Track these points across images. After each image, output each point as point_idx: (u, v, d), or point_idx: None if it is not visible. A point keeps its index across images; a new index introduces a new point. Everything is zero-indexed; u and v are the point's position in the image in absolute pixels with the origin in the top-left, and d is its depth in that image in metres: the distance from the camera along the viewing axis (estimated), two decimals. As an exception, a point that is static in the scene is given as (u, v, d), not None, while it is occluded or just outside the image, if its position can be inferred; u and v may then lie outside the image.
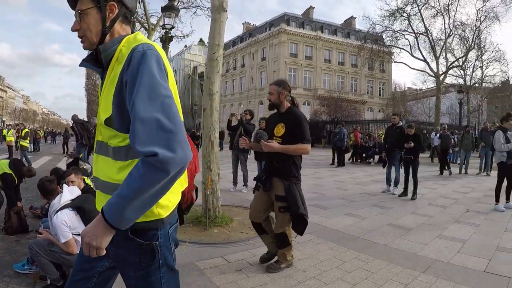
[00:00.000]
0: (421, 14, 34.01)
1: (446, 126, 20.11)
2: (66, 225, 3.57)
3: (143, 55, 1.54)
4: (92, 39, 1.70)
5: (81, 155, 11.50)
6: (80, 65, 1.82)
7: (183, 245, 5.13)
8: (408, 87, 68.27)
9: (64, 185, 4.19)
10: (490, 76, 42.37)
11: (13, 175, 6.11)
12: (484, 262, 4.76)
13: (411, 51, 35.90)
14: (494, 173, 9.14)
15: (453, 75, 41.30)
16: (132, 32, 1.79)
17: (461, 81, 41.77)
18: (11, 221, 5.71)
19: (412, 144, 9.35)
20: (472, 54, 37.83)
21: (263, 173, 4.33)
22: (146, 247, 1.70)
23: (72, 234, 3.61)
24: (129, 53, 1.56)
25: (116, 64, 1.63)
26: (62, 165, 12.52)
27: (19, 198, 6.38)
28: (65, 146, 25.35)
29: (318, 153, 23.35)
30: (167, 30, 11.54)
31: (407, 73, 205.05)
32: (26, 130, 18.30)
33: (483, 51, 38.07)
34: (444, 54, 36.03)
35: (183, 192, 2.07)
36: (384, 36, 36.87)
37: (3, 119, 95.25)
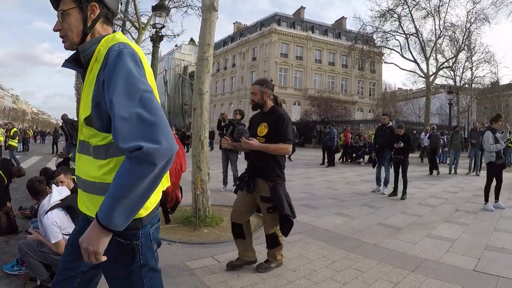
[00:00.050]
0: (411, 15, 34.18)
1: (435, 127, 20.23)
2: (57, 225, 3.55)
3: (119, 54, 1.55)
4: (73, 39, 1.72)
5: (70, 155, 11.41)
6: (62, 66, 1.84)
7: (173, 245, 5.12)
8: (398, 88, 68.75)
9: (53, 186, 4.15)
10: (480, 77, 42.78)
11: (2, 175, 6.07)
12: (473, 261, 4.79)
13: (401, 52, 36.08)
14: (483, 173, 9.23)
15: (443, 76, 41.72)
16: (114, 32, 1.81)
17: (451, 82, 42.19)
18: (0, 221, 5.65)
19: (402, 144, 9.41)
20: (462, 55, 38.16)
21: (246, 173, 4.24)
22: (127, 247, 1.70)
23: (62, 234, 3.59)
24: (106, 53, 1.58)
25: (95, 64, 1.64)
26: (52, 165, 12.42)
27: (9, 198, 6.34)
28: (55, 146, 25.12)
29: (309, 153, 23.42)
30: (158, 29, 11.50)
31: (397, 73, 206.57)
32: (15, 129, 18.10)
33: (473, 53, 38.41)
34: (434, 55, 36.27)
35: (166, 192, 2.08)
36: (374, 37, 37.00)
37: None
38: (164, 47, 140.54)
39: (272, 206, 4.02)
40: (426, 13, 34.31)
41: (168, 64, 71.52)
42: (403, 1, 33.54)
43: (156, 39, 11.58)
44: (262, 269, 4.25)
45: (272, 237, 4.21)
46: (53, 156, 20.37)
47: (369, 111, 61.28)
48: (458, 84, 41.57)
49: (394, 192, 9.65)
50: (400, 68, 60.92)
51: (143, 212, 1.71)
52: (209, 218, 6.25)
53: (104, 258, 1.57)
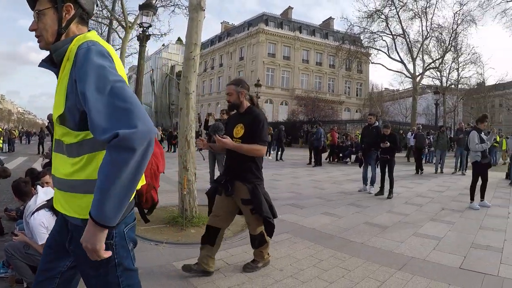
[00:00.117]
0: (399, 16, 34.46)
1: (421, 126, 20.47)
2: (44, 226, 3.50)
3: (87, 51, 1.58)
4: (48, 39, 1.75)
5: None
6: (39, 66, 1.86)
7: (160, 246, 5.10)
8: (385, 88, 69.23)
9: (39, 187, 4.11)
10: (466, 78, 43.53)
11: (-12, 176, 5.99)
12: (459, 258, 4.84)
13: (388, 52, 36.39)
14: (469, 172, 9.33)
15: (429, 77, 42.26)
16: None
17: (437, 82, 42.78)
18: (-14, 223, 5.59)
19: (388, 144, 9.47)
20: (448, 56, 38.71)
21: (223, 176, 4.14)
22: None
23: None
24: (76, 51, 1.61)
25: (67, 63, 1.67)
26: (38, 165, 12.27)
27: (-6, 200, 6.26)
28: (41, 146, 24.79)
29: (296, 153, 23.48)
30: (145, 28, 11.42)
31: (384, 74, 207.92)
32: (0, 130, 17.90)
33: (460, 54, 38.98)
34: (421, 56, 36.64)
35: (141, 192, 2.09)
36: (362, 37, 37.22)
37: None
38: (151, 46, 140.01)
39: (253, 207, 3.97)
40: (413, 14, 34.70)
41: (155, 63, 71.23)
42: (390, 2, 33.86)
43: (143, 38, 11.49)
44: (249, 269, 4.25)
45: (259, 236, 4.17)
46: (39, 157, 20.14)
47: (356, 111, 61.64)
48: (444, 84, 42.15)
49: (381, 191, 9.71)
50: (387, 68, 61.13)
51: None
52: (196, 218, 6.22)
53: (106, 254, 1.59)
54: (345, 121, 41.92)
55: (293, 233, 5.92)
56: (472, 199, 8.35)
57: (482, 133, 8.44)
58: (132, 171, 1.44)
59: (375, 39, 36.17)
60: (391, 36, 35.53)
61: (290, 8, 63.01)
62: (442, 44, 36.34)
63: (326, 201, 8.83)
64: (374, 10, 34.66)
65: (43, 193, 3.82)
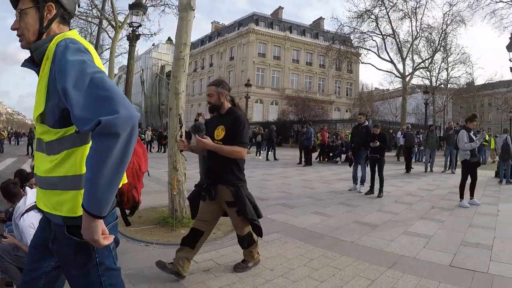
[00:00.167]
0: (388, 17, 34.54)
1: (410, 126, 20.58)
2: (33, 227, 3.46)
3: (66, 48, 1.60)
4: (29, 38, 1.77)
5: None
6: (21, 66, 1.90)
7: (150, 247, 5.08)
8: (375, 88, 69.64)
9: (27, 188, 4.07)
10: (456, 77, 43.93)
11: (-24, 177, 5.93)
12: (449, 256, 4.88)
13: (378, 52, 36.48)
14: (459, 171, 9.41)
15: (419, 76, 42.45)
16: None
17: (427, 82, 43.04)
18: (-27, 225, 5.52)
19: (378, 143, 9.51)
20: (438, 56, 38.90)
21: (205, 180, 4.06)
22: (81, 245, 1.71)
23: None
24: (54, 49, 1.63)
25: (47, 62, 1.68)
26: (27, 167, 12.17)
27: (-18, 202, 6.19)
28: (30, 147, 24.56)
29: (286, 153, 23.51)
30: (134, 28, 11.35)
31: (374, 73, 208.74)
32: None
33: (449, 54, 39.23)
34: (410, 56, 36.73)
35: (122, 191, 2.09)
36: (352, 37, 37.27)
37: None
38: (141, 46, 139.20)
39: (238, 209, 3.93)
40: (403, 14, 34.79)
41: (145, 63, 70.95)
42: (380, 3, 33.92)
43: (133, 38, 11.40)
44: (240, 269, 4.24)
45: (247, 237, 4.14)
46: (28, 158, 20.00)
47: (346, 111, 61.84)
48: (434, 84, 42.48)
49: (371, 191, 9.73)
50: (377, 68, 61.80)
51: None
52: (186, 218, 6.19)
53: (107, 241, 1.61)
54: (335, 121, 42.13)
55: (283, 233, 5.92)
56: (461, 197, 8.41)
57: (471, 132, 8.51)
58: (117, 157, 1.44)
59: (365, 39, 36.29)
60: (381, 36, 35.67)
61: (280, 8, 63.10)
62: (432, 44, 36.52)
63: (316, 200, 8.84)
64: (364, 10, 34.74)
65: (32, 195, 3.78)
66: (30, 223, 3.47)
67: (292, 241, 5.50)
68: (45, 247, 1.89)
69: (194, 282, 3.94)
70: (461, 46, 52.98)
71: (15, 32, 1.78)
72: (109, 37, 21.98)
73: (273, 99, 56.63)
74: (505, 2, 28.13)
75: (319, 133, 21.43)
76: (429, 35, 36.02)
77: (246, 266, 4.28)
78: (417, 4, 34.14)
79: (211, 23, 71.91)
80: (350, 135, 12.24)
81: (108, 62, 20.89)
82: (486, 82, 50.09)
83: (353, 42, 37.59)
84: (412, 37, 35.56)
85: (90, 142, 1.53)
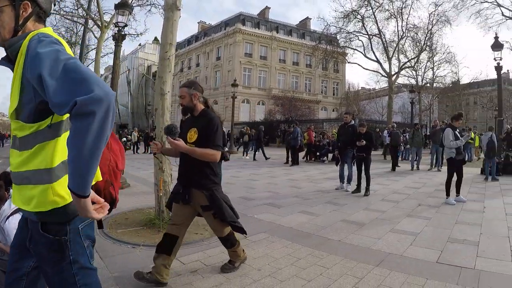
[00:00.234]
0: (375, 17, 34.70)
1: (395, 125, 20.77)
2: None
3: (38, 41, 1.64)
4: (4, 36, 1.78)
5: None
6: None
7: (137, 249, 5.04)
8: (361, 87, 70.16)
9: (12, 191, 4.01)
10: (441, 76, 44.33)
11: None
12: (436, 253, 4.92)
13: (364, 52, 36.62)
14: (445, 169, 9.49)
15: (405, 76, 42.70)
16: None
17: (413, 81, 43.39)
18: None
19: (364, 142, 9.56)
20: (424, 56, 39.10)
21: (179, 185, 3.94)
22: (54, 242, 1.75)
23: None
24: (28, 43, 1.66)
25: (21, 57, 1.70)
26: (10, 168, 12.02)
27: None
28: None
29: (273, 152, 23.52)
30: (120, 28, 11.25)
31: (360, 73, 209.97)
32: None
33: (435, 53, 39.49)
34: (396, 55, 36.95)
35: (98, 189, 2.11)
36: (338, 37, 37.37)
37: None
38: (128, 46, 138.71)
39: (214, 212, 3.85)
40: (389, 14, 34.99)
41: (131, 63, 70.37)
42: (366, 3, 34.06)
43: (119, 38, 11.29)
44: (227, 270, 4.22)
45: (229, 237, 4.10)
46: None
47: (333, 110, 62.14)
48: (420, 83, 42.86)
49: (358, 189, 9.77)
50: (363, 68, 62.16)
51: (61, 201, 1.75)
52: (172, 220, 6.17)
53: (100, 215, 1.70)
54: (322, 120, 42.22)
55: (270, 233, 5.91)
56: (448, 194, 8.50)
57: (457, 130, 8.60)
58: (95, 135, 1.47)
59: (351, 39, 36.41)
60: (367, 36, 35.83)
61: (267, 8, 63.16)
62: (418, 43, 36.76)
63: (303, 200, 8.85)
64: (351, 10, 34.85)
65: (18, 197, 3.73)
66: (15, 226, 3.41)
67: (279, 240, 5.49)
68: (24, 246, 1.90)
69: (181, 284, 3.91)
70: (447, 46, 53.28)
71: None
72: (95, 37, 21.72)
73: (260, 99, 56.67)
74: (490, 3, 28.46)
75: (306, 132, 21.46)
76: (415, 35, 36.30)
77: (233, 266, 4.26)
78: (403, 4, 34.41)
79: (198, 23, 71.85)
80: (336, 135, 12.28)
81: (94, 62, 20.70)
82: (472, 81, 50.74)
83: (339, 42, 37.72)
84: (398, 37, 35.82)
85: (62, 135, 1.65)
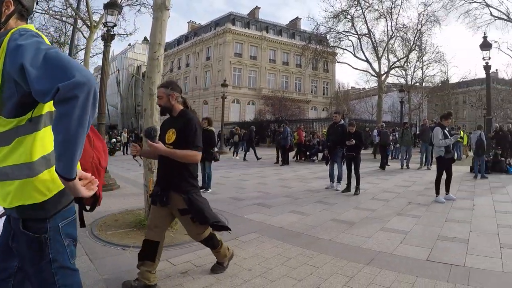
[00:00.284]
0: (364, 17, 34.82)
1: (384, 124, 20.87)
2: None
3: (19, 35, 1.68)
4: None
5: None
6: None
7: (127, 250, 5.00)
8: (351, 87, 70.41)
9: None
10: (430, 76, 44.93)
11: None
12: (426, 251, 4.95)
13: (354, 52, 36.71)
14: (434, 167, 9.57)
15: (394, 75, 43.04)
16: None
17: (402, 80, 43.68)
18: None
19: (354, 141, 9.61)
20: (413, 55, 39.47)
21: (157, 187, 3.86)
22: (34, 240, 1.75)
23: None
24: (8, 38, 1.68)
25: (2, 54, 1.70)
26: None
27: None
28: None
29: (263, 152, 23.52)
30: (109, 28, 11.17)
31: (350, 73, 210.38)
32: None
33: (424, 53, 39.89)
34: (386, 55, 37.14)
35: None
36: (328, 37, 37.40)
37: None
38: (118, 46, 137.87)
39: (193, 216, 3.73)
40: (379, 14, 35.13)
41: (121, 63, 69.87)
42: (356, 3, 34.17)
43: (108, 38, 11.21)
44: (217, 270, 4.21)
45: (209, 239, 4.00)
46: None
47: (323, 110, 62.29)
48: (409, 82, 43.16)
49: (348, 188, 9.82)
50: (353, 67, 62.14)
51: (40, 197, 1.76)
52: (162, 221, 6.14)
53: (90, 192, 1.76)
54: (312, 120, 42.42)
55: (260, 233, 5.91)
56: (437, 193, 8.56)
57: (446, 129, 8.67)
58: (78, 119, 1.52)
59: (341, 39, 36.48)
60: (356, 36, 35.92)
61: (257, 8, 63.12)
62: (407, 43, 37.00)
63: (293, 199, 8.86)
64: (340, 10, 34.92)
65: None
66: (1, 227, 3.39)
67: (270, 240, 5.49)
68: (7, 246, 1.90)
69: (171, 285, 3.90)
70: (436, 45, 53.94)
71: None
72: (84, 37, 21.57)
73: (250, 99, 56.66)
74: (479, 3, 28.71)
75: (296, 132, 21.52)
76: (404, 34, 36.54)
77: (222, 266, 4.24)
78: (392, 4, 34.56)
79: (188, 22, 71.69)
80: (326, 134, 12.33)
81: (83, 63, 20.55)
82: (461, 80, 51.35)
83: (329, 41, 37.78)
84: (388, 36, 36.00)
85: (41, 129, 1.74)
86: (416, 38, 36.60)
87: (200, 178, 9.76)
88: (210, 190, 9.86)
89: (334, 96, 60.78)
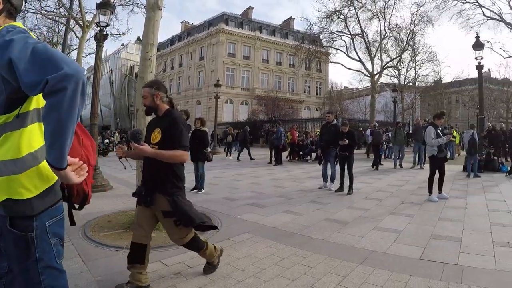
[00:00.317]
0: (357, 17, 34.96)
1: (377, 124, 20.96)
2: None
3: (6, 31, 1.70)
4: None
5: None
6: None
7: (120, 251, 4.98)
8: (344, 86, 70.71)
9: None
10: (423, 75, 45.23)
11: None
12: (419, 250, 4.97)
13: (347, 51, 36.84)
14: (427, 166, 9.62)
15: (387, 75, 43.26)
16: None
17: (395, 80, 43.89)
18: None
19: (347, 141, 9.63)
20: (406, 55, 39.79)
21: (142, 188, 3.80)
22: (20, 238, 1.75)
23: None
24: None
25: None
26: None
27: None
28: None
29: (256, 152, 23.52)
30: (102, 27, 11.12)
31: (343, 73, 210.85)
32: None
33: (417, 53, 40.22)
34: (379, 55, 37.37)
35: (70, 185, 2.10)
36: (321, 37, 37.52)
37: None
38: (110, 46, 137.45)
39: (177, 219, 3.62)
40: (372, 14, 35.34)
41: (114, 64, 69.51)
42: (349, 3, 34.31)
43: (100, 38, 11.16)
44: (208, 271, 4.19)
45: (192, 243, 3.88)
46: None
47: (316, 110, 62.37)
48: (402, 82, 43.36)
49: (341, 188, 9.84)
50: (346, 67, 62.35)
51: (26, 193, 1.76)
52: (155, 221, 6.12)
53: (80, 179, 1.83)
54: (305, 120, 42.51)
55: (254, 233, 5.90)
56: (430, 192, 8.62)
57: (439, 128, 8.73)
58: (67, 109, 1.58)
59: (334, 39, 36.60)
60: (350, 36, 36.05)
61: (250, 8, 63.07)
62: (400, 43, 37.25)
63: (287, 199, 8.86)
64: (334, 10, 35.05)
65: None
66: None
67: (263, 240, 5.49)
68: None
69: (165, 286, 3.89)
70: (429, 45, 54.40)
71: None
72: (77, 37, 21.43)
73: (243, 99, 56.61)
74: (471, 3, 28.89)
75: (289, 132, 21.54)
76: (397, 34, 36.79)
77: (213, 266, 4.22)
78: (385, 4, 34.79)
79: (181, 22, 71.58)
80: (319, 134, 12.36)
81: (75, 63, 20.43)
82: (453, 80, 51.68)
83: (322, 41, 37.88)
84: (381, 36, 36.21)
85: (28, 126, 1.77)
86: (409, 38, 36.88)
87: (193, 178, 9.85)
88: (204, 190, 9.84)
89: (327, 96, 60.88)
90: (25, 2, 18.65)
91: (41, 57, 1.58)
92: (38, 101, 1.85)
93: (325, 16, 35.30)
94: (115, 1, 18.48)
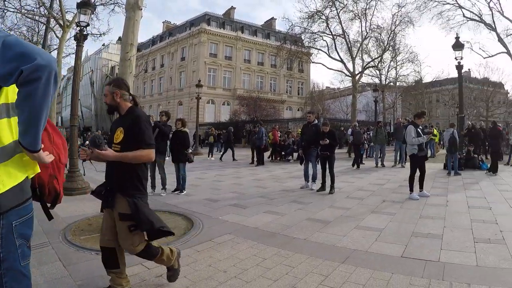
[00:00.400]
0: (339, 17, 35.13)
1: (357, 124, 21.13)
2: None
3: None
4: None
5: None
6: None
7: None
8: (326, 86, 70.94)
9: None
10: (404, 75, 45.72)
11: None
12: (401, 248, 5.02)
13: (328, 52, 36.98)
14: (408, 165, 9.72)
15: (369, 75, 43.67)
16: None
17: (376, 80, 44.33)
18: None
19: (327, 140, 9.67)
20: (387, 55, 40.08)
21: (102, 187, 3.64)
22: None
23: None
24: None
25: None
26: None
27: None
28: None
29: (238, 153, 23.46)
30: (82, 27, 10.97)
31: (325, 73, 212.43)
32: None
33: (398, 53, 40.54)
34: (360, 55, 37.61)
35: (42, 183, 2.08)
36: (303, 37, 37.61)
37: None
38: (92, 46, 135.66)
39: (135, 224, 3.40)
40: (354, 15, 35.54)
41: (95, 64, 68.87)
42: (331, 4, 34.43)
43: (80, 38, 11.01)
44: (172, 277, 3.96)
45: (146, 252, 3.60)
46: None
47: (298, 110, 62.66)
48: (383, 82, 43.80)
49: (322, 187, 9.88)
50: (328, 67, 62.86)
51: None
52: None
53: (49, 159, 1.99)
54: (287, 120, 42.65)
55: (235, 234, 5.89)
56: (411, 190, 8.71)
57: (419, 127, 8.83)
58: (41, 97, 1.67)
59: (316, 39, 36.73)
60: (331, 36, 36.20)
61: (232, 8, 62.97)
62: (381, 44, 37.55)
63: (269, 199, 8.86)
64: (315, 11, 35.14)
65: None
66: None
67: (245, 241, 5.48)
68: None
69: (146, 289, 3.83)
70: (409, 46, 55.07)
71: None
72: (57, 36, 21.22)
73: (225, 99, 56.53)
74: (452, 4, 29.30)
75: (271, 132, 21.57)
76: (378, 35, 37.08)
77: (174, 270, 3.95)
78: (367, 5, 35.01)
79: (163, 22, 71.06)
80: (300, 134, 12.41)
81: (55, 63, 20.16)
82: (434, 80, 52.41)
83: (304, 42, 38.00)
84: (362, 37, 36.44)
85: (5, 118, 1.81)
86: (390, 39, 37.20)
87: (174, 180, 9.78)
88: (185, 192, 9.77)
89: (309, 96, 61.19)
90: (4, 1, 18.48)
91: (14, 49, 1.60)
92: (7, 96, 1.82)
93: (306, 16, 35.43)
94: (95, 1, 18.33)
